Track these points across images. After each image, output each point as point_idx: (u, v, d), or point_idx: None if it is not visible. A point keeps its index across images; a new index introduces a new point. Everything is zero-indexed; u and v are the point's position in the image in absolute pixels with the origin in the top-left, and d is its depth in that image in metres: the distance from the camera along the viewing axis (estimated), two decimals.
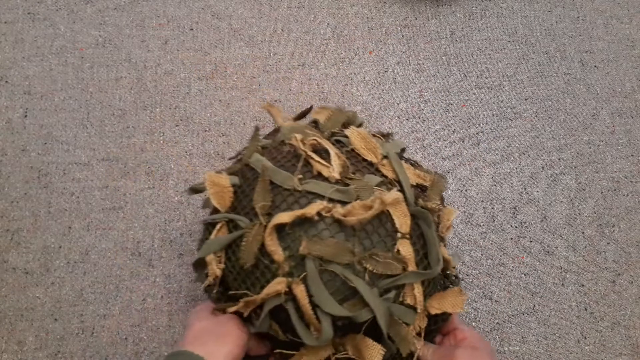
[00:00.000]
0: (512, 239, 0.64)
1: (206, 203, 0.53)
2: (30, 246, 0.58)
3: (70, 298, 0.57)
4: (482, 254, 0.63)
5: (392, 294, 0.43)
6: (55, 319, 0.56)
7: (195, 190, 0.52)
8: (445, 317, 0.49)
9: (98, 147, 0.63)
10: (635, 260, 0.64)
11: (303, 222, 0.43)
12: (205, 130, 0.65)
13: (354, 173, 0.46)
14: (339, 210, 0.42)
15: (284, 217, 0.42)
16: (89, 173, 0.62)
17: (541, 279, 0.62)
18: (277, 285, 0.41)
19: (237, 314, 0.46)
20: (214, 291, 0.48)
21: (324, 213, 0.42)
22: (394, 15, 0.74)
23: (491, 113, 0.70)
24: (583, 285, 0.62)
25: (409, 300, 0.44)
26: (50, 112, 0.64)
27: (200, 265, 0.49)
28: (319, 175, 0.45)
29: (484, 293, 0.61)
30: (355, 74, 0.70)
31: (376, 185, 0.45)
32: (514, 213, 0.65)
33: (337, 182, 0.44)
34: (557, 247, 0.64)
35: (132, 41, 0.68)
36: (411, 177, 0.49)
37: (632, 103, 0.72)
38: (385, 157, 0.48)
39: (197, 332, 0.44)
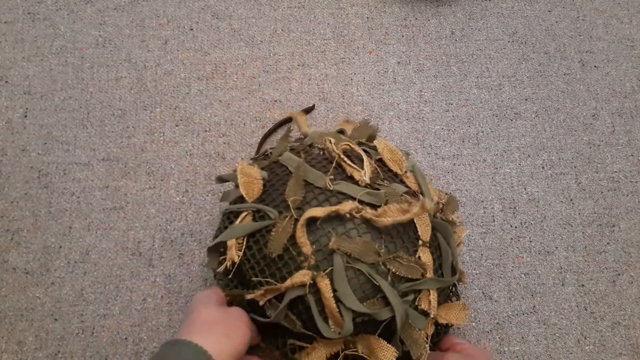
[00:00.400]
0: (512, 239, 0.64)
1: (225, 196, 0.53)
2: (31, 246, 0.58)
3: (70, 298, 0.57)
4: (482, 254, 0.63)
5: (410, 298, 0.44)
6: (55, 319, 0.56)
7: (223, 179, 0.53)
8: (445, 330, 0.51)
9: (98, 147, 0.63)
10: (635, 260, 0.64)
11: (333, 219, 0.44)
12: (206, 131, 0.65)
13: (382, 180, 0.48)
14: (369, 212, 0.44)
15: (317, 211, 0.43)
16: (89, 173, 0.62)
17: (541, 279, 0.62)
18: (303, 276, 0.42)
19: (242, 306, 0.47)
20: (229, 276, 0.48)
21: (354, 212, 0.44)
22: (394, 15, 0.74)
23: (491, 113, 0.70)
24: (583, 285, 0.62)
25: (423, 306, 0.45)
26: (50, 112, 0.64)
27: (216, 250, 0.49)
28: (350, 178, 0.47)
29: (484, 293, 0.61)
30: (355, 74, 0.70)
31: (402, 195, 0.47)
32: (514, 213, 0.65)
33: (366, 186, 0.47)
34: (557, 247, 0.64)
35: (132, 41, 0.68)
36: (432, 193, 0.51)
37: (632, 103, 0.72)
38: (408, 171, 0.51)
39: (205, 321, 0.42)
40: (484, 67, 0.72)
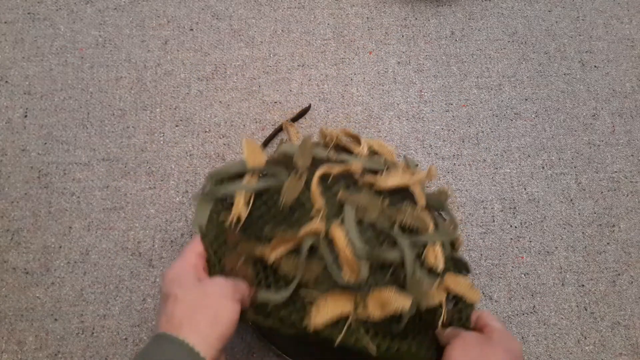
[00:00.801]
0: (512, 239, 0.64)
1: (215, 174, 0.52)
2: (30, 246, 0.58)
3: (70, 298, 0.57)
4: (481, 254, 0.63)
5: (417, 249, 0.46)
6: (55, 319, 0.56)
7: (217, 179, 0.53)
8: (458, 304, 0.49)
9: (98, 147, 0.63)
10: (635, 260, 0.64)
11: (339, 180, 0.48)
12: (206, 131, 0.65)
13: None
14: (371, 177, 0.48)
15: (331, 168, 0.47)
16: (89, 173, 0.62)
17: (541, 279, 0.62)
18: (316, 225, 0.44)
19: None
20: (236, 229, 0.47)
21: (358, 176, 0.48)
22: (394, 15, 0.74)
23: (491, 113, 0.70)
24: (583, 285, 0.62)
25: (430, 259, 0.47)
26: (50, 112, 0.64)
27: (212, 202, 0.48)
28: (350, 154, 0.52)
29: (484, 293, 0.61)
30: (355, 74, 0.70)
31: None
32: (514, 213, 0.65)
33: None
34: (557, 247, 0.64)
35: (132, 41, 0.68)
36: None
37: (632, 103, 0.72)
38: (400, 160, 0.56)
39: (185, 309, 0.38)
40: (484, 67, 0.72)
